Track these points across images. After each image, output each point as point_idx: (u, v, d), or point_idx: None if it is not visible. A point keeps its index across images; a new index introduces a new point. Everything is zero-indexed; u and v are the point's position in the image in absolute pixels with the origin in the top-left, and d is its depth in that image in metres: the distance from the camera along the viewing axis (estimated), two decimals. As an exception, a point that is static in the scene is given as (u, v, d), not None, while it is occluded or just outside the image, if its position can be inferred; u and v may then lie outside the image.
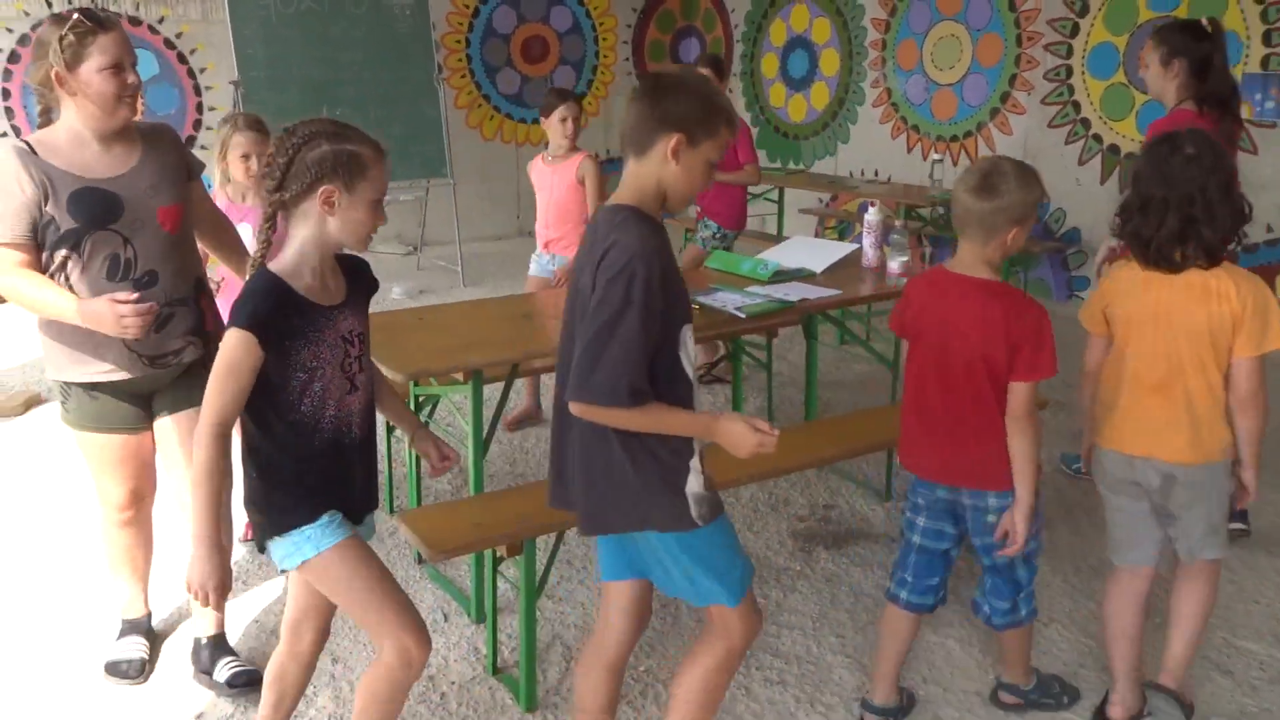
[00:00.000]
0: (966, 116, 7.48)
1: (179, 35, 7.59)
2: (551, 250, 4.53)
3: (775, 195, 7.77)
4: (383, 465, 3.90)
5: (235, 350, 1.91)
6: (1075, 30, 6.69)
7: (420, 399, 3.44)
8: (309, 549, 2.05)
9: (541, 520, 2.73)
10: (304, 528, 2.04)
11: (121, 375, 2.53)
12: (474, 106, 8.88)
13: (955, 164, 7.37)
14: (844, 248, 4.17)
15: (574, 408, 1.95)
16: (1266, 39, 5.73)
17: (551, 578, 3.22)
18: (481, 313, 3.62)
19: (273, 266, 1.98)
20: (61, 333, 2.47)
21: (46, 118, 2.49)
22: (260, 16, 6.96)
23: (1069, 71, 6.76)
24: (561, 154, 4.41)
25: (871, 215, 4.05)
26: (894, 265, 3.86)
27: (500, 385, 3.39)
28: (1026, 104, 7.06)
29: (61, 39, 2.31)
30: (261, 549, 2.11)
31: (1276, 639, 3.05)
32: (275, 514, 2.07)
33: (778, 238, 6.68)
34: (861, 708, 2.69)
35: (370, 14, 7.37)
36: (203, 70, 7.70)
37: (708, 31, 9.76)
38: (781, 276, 3.84)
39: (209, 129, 7.60)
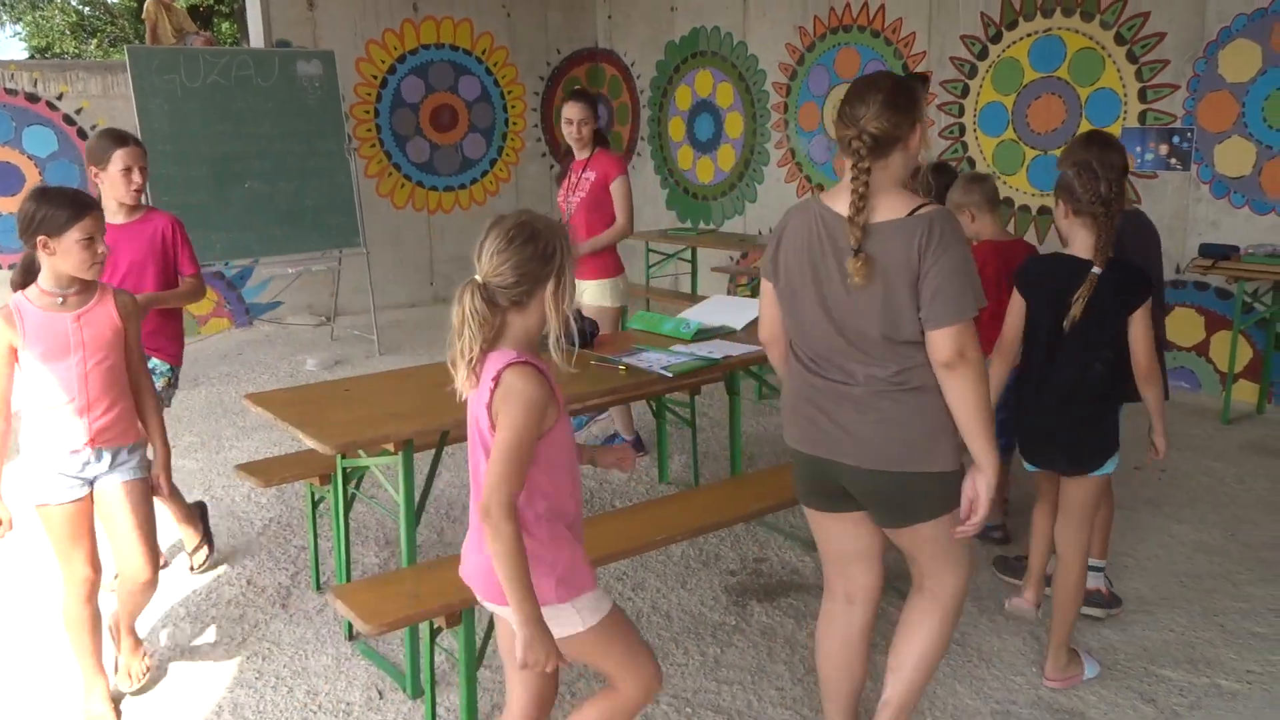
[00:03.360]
0: (868, 174, 7.74)
1: (79, 111, 7.45)
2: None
3: (689, 255, 7.93)
4: (307, 540, 3.82)
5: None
6: (966, 91, 7.04)
7: (347, 470, 3.40)
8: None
9: (479, 588, 2.72)
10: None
11: None
12: (384, 175, 8.88)
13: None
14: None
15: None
16: (1142, 96, 6.11)
17: (489, 646, 3.18)
18: (408, 381, 3.60)
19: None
20: None
21: None
22: (165, 91, 6.88)
23: (962, 129, 7.09)
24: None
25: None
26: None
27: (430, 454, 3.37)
28: (924, 160, 7.35)
29: None
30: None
31: (1193, 665, 3.18)
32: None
33: (694, 297, 6.81)
34: None
35: (279, 86, 7.35)
36: (104, 145, 7.55)
37: (614, 98, 9.97)
38: (704, 335, 3.92)
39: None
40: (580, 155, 4.88)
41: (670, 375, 3.40)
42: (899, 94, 2.28)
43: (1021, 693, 3.04)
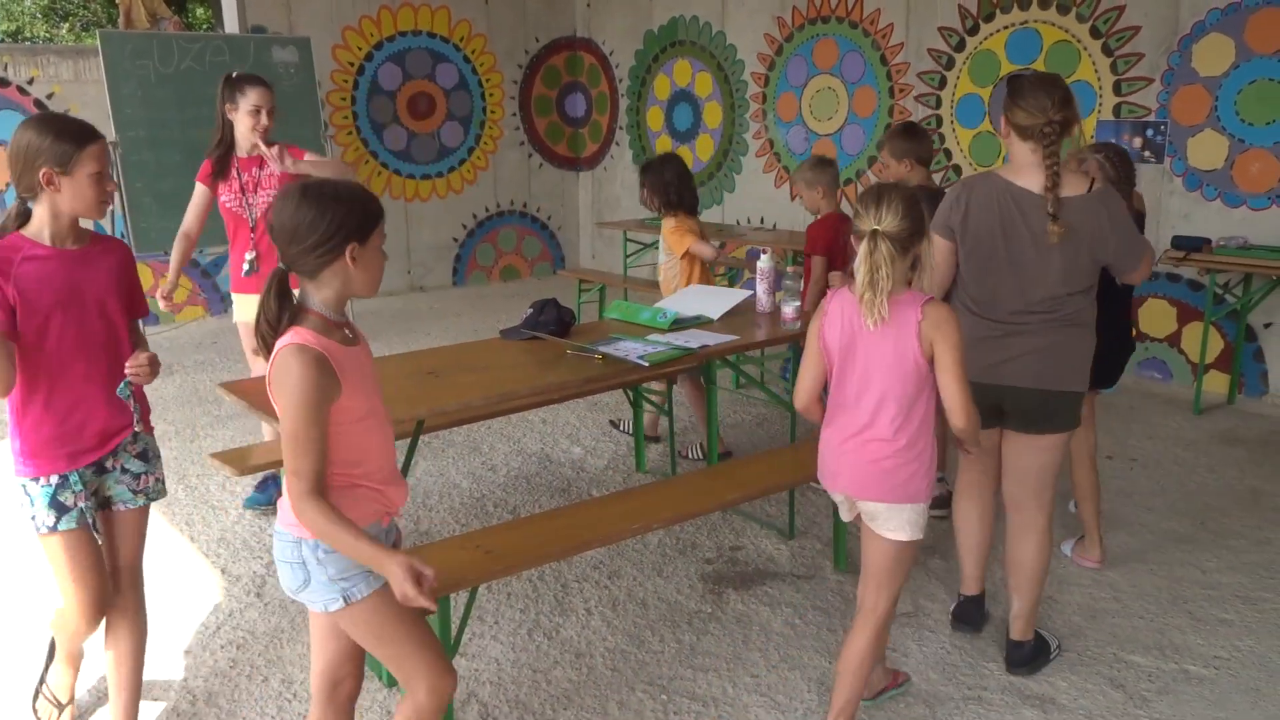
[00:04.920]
0: (846, 165, 7.79)
1: (50, 96, 7.35)
2: None
3: (666, 244, 7.91)
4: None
5: None
6: (943, 82, 7.07)
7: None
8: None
9: (456, 576, 2.72)
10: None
11: None
12: (361, 162, 8.82)
13: (837, 210, 7.63)
14: (738, 294, 4.28)
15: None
16: (1117, 89, 6.16)
17: (464, 635, 3.18)
18: (384, 369, 3.57)
19: None
20: None
21: None
22: (138, 76, 6.80)
23: (939, 121, 7.12)
24: None
25: (764, 263, 4.18)
26: (788, 310, 3.98)
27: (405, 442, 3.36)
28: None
29: None
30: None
31: (1162, 651, 3.22)
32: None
33: (671, 286, 6.80)
34: None
35: (254, 72, 7.27)
36: (76, 131, 7.46)
37: (592, 86, 9.95)
38: (680, 324, 3.92)
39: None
40: (255, 151, 4.01)
41: (646, 364, 3.40)
42: (1069, 90, 2.82)
43: (992, 678, 3.07)
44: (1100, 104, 6.23)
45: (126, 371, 2.44)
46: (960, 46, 6.91)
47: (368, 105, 8.80)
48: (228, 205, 4.07)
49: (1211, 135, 5.79)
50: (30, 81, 7.28)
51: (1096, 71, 6.23)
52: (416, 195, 9.21)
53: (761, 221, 8.38)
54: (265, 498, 4.31)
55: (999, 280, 2.87)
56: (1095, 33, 6.20)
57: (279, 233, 1.98)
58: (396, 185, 9.08)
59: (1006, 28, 6.63)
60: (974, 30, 6.81)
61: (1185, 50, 5.84)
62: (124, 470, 2.55)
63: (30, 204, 2.38)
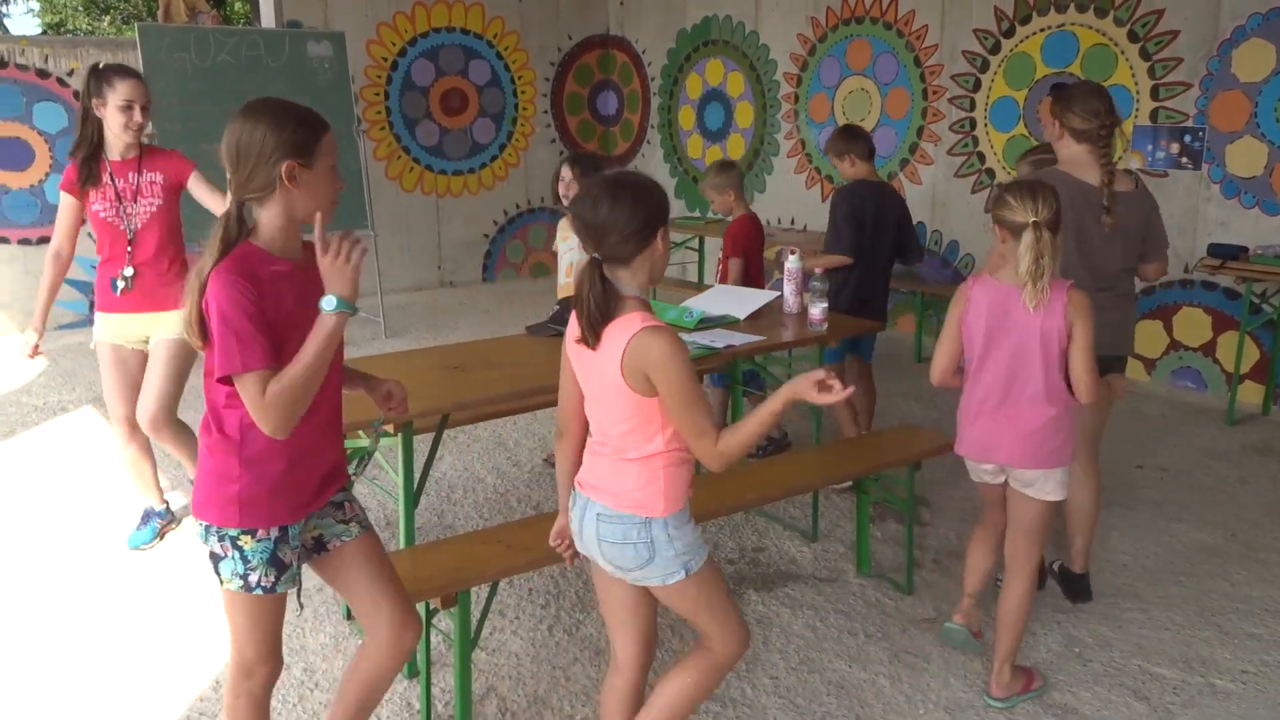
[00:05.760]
0: (878, 167, 7.72)
1: (89, 87, 7.44)
2: None
3: (695, 244, 7.91)
4: (308, 521, 3.84)
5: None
6: (978, 85, 7.00)
7: (348, 451, 3.40)
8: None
9: (475, 571, 2.73)
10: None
11: None
12: (393, 158, 8.88)
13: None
14: (765, 295, 4.26)
15: None
16: (1154, 93, 6.08)
17: (485, 629, 3.20)
18: (410, 364, 3.60)
19: None
20: None
21: None
22: (175, 69, 6.88)
23: (973, 124, 7.06)
24: None
25: (792, 263, 4.16)
26: (815, 312, 3.96)
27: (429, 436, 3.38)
28: (934, 155, 7.35)
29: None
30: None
31: (1188, 664, 3.18)
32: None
33: (699, 285, 6.80)
34: None
35: (288, 67, 7.35)
36: (114, 122, 7.56)
37: (624, 85, 9.95)
38: (707, 324, 3.91)
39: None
40: (130, 154, 3.65)
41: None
42: (1112, 98, 3.31)
43: (1015, 687, 3.04)
44: (1137, 109, 6.16)
45: (391, 407, 2.37)
46: (995, 49, 6.85)
47: (401, 100, 8.85)
48: (101, 215, 3.62)
49: (1251, 142, 5.70)
50: (70, 73, 7.38)
51: (1134, 76, 6.15)
52: (448, 191, 9.25)
53: (792, 222, 8.34)
54: (150, 533, 3.98)
55: (1077, 261, 3.22)
56: (1133, 36, 6.12)
57: (594, 228, 2.05)
58: (428, 181, 9.13)
59: (1043, 30, 6.56)
60: (1010, 33, 6.75)
61: (1225, 55, 5.75)
62: (330, 503, 2.25)
63: (253, 209, 2.03)
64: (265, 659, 2.20)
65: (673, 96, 9.45)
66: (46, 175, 7.42)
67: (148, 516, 4.03)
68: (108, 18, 21.63)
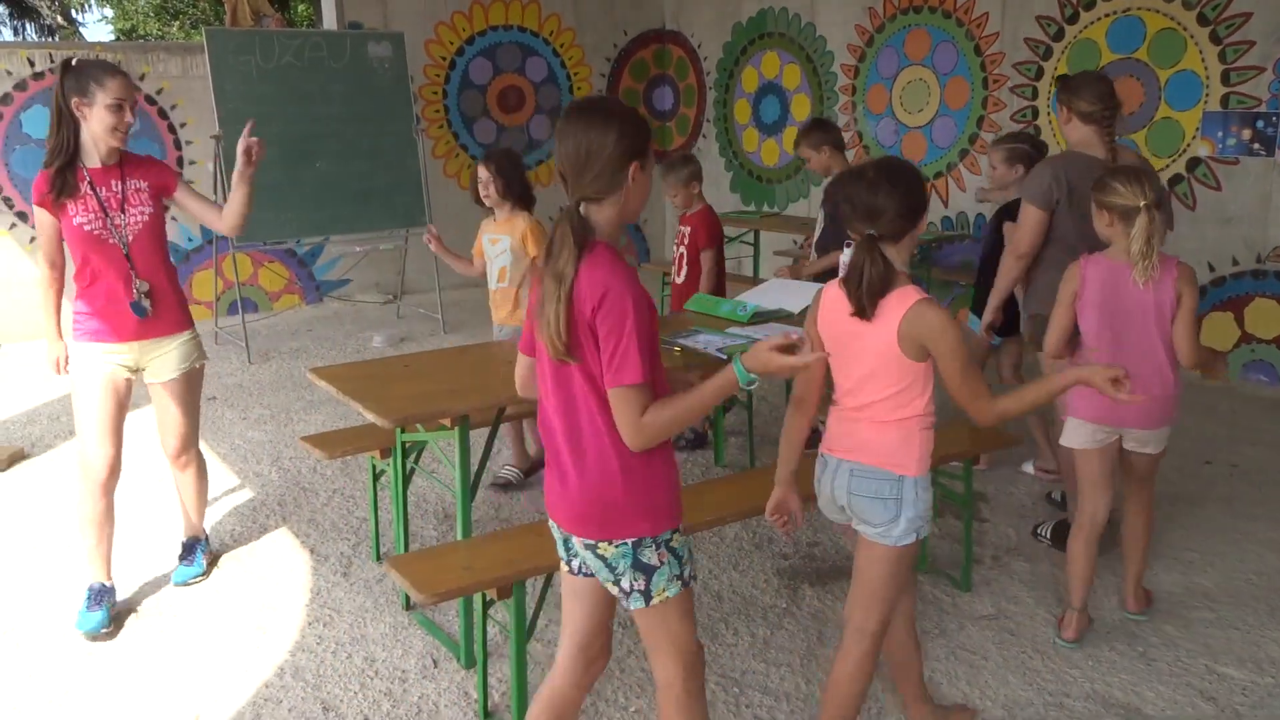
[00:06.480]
0: (936, 158, 7.64)
1: (159, 91, 7.65)
2: None
3: (751, 238, 7.88)
4: (368, 512, 3.91)
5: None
6: (1040, 73, 6.87)
7: (406, 445, 3.47)
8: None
9: (531, 563, 2.76)
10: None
11: None
12: (451, 156, 8.97)
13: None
14: (818, 288, 4.23)
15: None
16: (1225, 78, 5.91)
17: (540, 620, 3.23)
18: (467, 358, 3.65)
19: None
20: None
21: None
22: (241, 72, 7.03)
23: (1035, 113, 6.93)
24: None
25: (847, 255, 4.12)
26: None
27: (485, 430, 3.42)
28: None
29: None
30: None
31: (1257, 665, 3.10)
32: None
33: (754, 279, 6.77)
34: None
35: (350, 68, 7.47)
36: (183, 125, 7.76)
37: (680, 79, 9.94)
38: (760, 318, 3.90)
39: (189, 181, 7.64)
40: (111, 160, 3.29)
41: (725, 358, 3.39)
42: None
43: (1075, 685, 2.99)
44: (1207, 94, 5.99)
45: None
46: (1059, 36, 6.71)
47: (459, 99, 8.94)
48: (86, 228, 3.21)
49: (1327, 127, 5.52)
50: (141, 78, 7.58)
51: (1204, 60, 5.98)
52: (505, 188, 9.31)
53: (849, 215, 8.26)
54: (196, 569, 3.70)
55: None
56: (1203, 20, 5.95)
57: (872, 209, 2.35)
58: (486, 178, 9.20)
59: (1108, 15, 6.41)
60: (1073, 19, 6.61)
61: (1300, 38, 5.57)
62: None
63: (591, 213, 2.03)
64: (699, 646, 2.17)
65: (728, 90, 9.42)
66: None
67: (100, 596, 3.37)
68: (176, 22, 22.17)
